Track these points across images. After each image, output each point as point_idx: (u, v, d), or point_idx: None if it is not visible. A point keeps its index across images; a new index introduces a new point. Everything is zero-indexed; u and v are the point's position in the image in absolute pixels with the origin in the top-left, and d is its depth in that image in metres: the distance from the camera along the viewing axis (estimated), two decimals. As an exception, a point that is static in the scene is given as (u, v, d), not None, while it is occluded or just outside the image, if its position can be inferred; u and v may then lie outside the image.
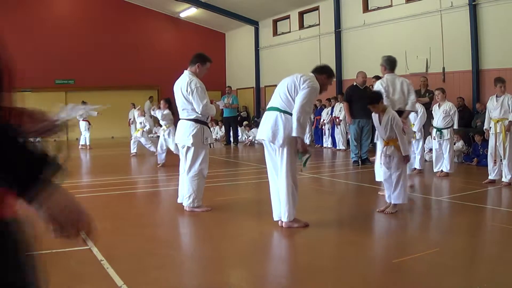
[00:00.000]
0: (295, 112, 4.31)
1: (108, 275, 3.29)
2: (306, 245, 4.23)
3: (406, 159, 5.02)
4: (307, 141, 14.33)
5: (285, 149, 4.41)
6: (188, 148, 5.26)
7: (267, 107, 4.65)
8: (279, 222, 4.57)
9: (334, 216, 5.36)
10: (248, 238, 4.48)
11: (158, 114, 9.88)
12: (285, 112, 4.41)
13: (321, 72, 4.68)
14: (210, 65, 5.40)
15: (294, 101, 4.37)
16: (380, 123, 5.09)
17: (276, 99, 4.52)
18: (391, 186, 5.08)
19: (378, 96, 5.17)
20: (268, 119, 4.51)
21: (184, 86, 5.20)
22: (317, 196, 6.66)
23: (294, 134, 4.31)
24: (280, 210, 4.52)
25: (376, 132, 5.58)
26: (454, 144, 9.33)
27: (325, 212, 5.08)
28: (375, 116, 5.19)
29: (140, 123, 11.67)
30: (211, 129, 16.45)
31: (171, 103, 10.01)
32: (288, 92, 4.43)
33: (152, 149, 11.45)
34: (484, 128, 7.19)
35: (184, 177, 5.34)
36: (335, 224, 4.88)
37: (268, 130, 4.44)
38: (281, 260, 3.72)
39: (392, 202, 5.07)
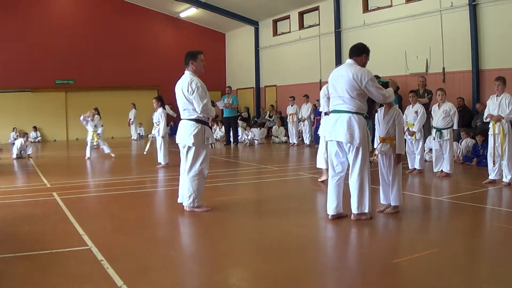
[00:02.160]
0: (382, 99, 4.79)
1: (108, 275, 3.29)
2: (306, 245, 4.23)
3: (399, 158, 5.02)
4: (307, 141, 14.34)
5: (361, 148, 4.68)
6: (189, 148, 5.26)
7: (334, 109, 4.84)
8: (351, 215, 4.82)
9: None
10: (248, 238, 4.48)
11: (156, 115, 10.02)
12: (356, 113, 4.66)
13: (361, 53, 4.87)
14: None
15: (358, 99, 4.65)
16: (383, 117, 5.10)
17: (342, 102, 4.71)
18: (388, 187, 5.09)
19: (396, 86, 5.22)
20: (340, 121, 4.69)
21: (185, 86, 5.21)
22: (317, 196, 6.65)
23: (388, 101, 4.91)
24: (351, 202, 4.82)
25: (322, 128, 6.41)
26: (462, 141, 9.34)
27: (325, 212, 5.07)
28: (380, 111, 5.21)
29: (95, 125, 11.79)
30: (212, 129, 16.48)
31: (163, 101, 10.11)
32: (350, 95, 4.65)
33: (107, 150, 11.68)
34: (485, 117, 7.10)
35: (185, 177, 5.34)
36: (335, 224, 4.88)
37: (345, 132, 4.65)
38: (281, 260, 3.72)
39: (392, 204, 5.08)
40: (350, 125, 4.64)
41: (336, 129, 4.75)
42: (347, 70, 4.72)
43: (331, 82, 4.87)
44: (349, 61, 4.86)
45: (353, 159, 4.74)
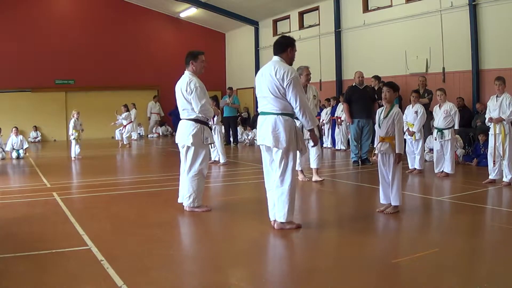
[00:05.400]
0: (298, 109, 4.30)
1: (108, 275, 3.29)
2: (306, 245, 4.23)
3: (399, 158, 5.02)
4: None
5: (288, 152, 4.35)
6: (188, 147, 5.27)
7: (260, 111, 4.54)
8: (272, 222, 4.52)
9: (334, 216, 5.36)
10: (248, 238, 4.48)
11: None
12: (281, 114, 4.34)
13: (284, 48, 4.61)
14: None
15: (283, 99, 4.32)
16: (384, 116, 5.08)
17: (267, 103, 4.41)
18: (388, 187, 5.09)
19: (397, 85, 5.20)
20: (266, 124, 4.39)
21: (184, 86, 5.23)
22: (317, 196, 6.66)
23: (309, 127, 4.42)
24: (275, 210, 4.45)
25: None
26: (457, 150, 9.32)
27: (325, 212, 5.09)
28: (380, 111, 5.19)
29: (81, 125, 11.92)
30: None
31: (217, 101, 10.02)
32: (273, 94, 4.34)
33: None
34: (486, 121, 7.09)
35: (184, 177, 5.34)
36: (335, 224, 4.88)
37: (269, 135, 4.33)
38: (281, 260, 3.72)
39: (392, 204, 5.08)
40: (275, 128, 4.30)
41: (262, 132, 4.43)
42: (270, 68, 4.43)
43: (256, 82, 4.60)
44: (274, 57, 4.55)
45: (279, 163, 4.34)
